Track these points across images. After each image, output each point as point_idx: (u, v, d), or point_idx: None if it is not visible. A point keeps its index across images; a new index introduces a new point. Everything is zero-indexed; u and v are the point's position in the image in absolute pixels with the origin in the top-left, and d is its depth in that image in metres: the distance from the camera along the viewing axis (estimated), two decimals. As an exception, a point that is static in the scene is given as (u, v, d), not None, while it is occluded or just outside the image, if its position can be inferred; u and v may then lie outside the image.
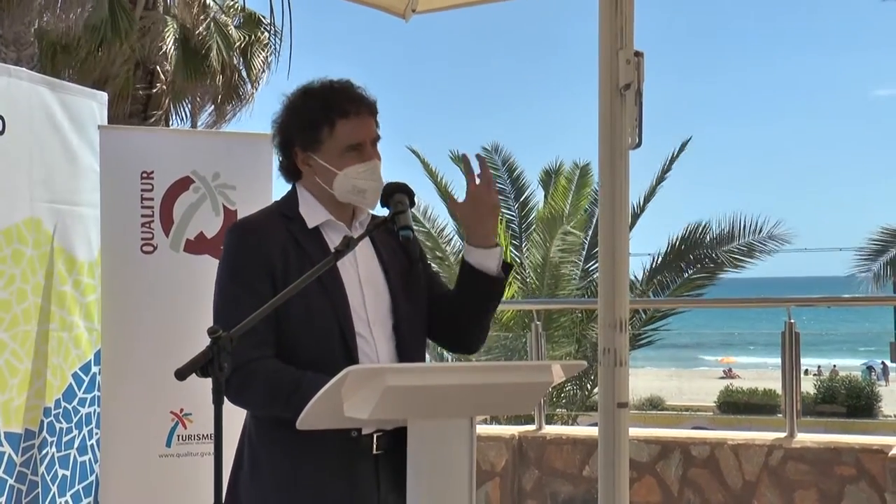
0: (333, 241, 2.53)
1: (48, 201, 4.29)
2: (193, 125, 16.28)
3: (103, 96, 4.75)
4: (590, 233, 15.08)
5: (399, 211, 2.49)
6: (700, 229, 15.01)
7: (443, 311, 2.70)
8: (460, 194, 2.73)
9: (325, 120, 2.54)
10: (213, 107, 16.75)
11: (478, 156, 2.63)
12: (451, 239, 15.28)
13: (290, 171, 2.64)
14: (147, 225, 4.38)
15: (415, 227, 2.57)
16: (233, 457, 2.56)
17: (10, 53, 12.75)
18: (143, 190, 4.38)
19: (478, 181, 2.60)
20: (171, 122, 16.19)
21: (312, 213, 2.60)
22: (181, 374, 2.05)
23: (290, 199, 2.64)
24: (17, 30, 13.16)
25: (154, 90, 15.59)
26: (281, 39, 16.70)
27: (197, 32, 15.90)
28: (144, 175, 4.38)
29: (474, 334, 2.75)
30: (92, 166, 4.50)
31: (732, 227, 14.90)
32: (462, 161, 2.63)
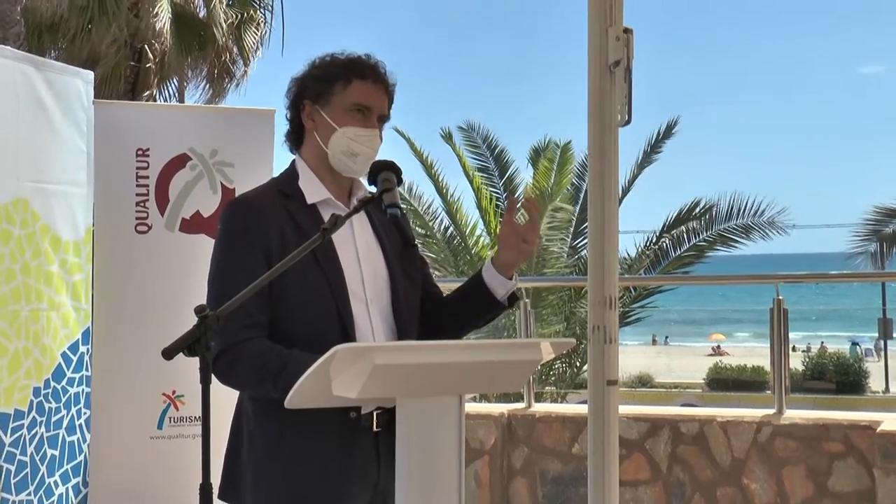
0: None
1: (34, 181, 4.26)
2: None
3: (89, 75, 4.71)
4: (577, 209, 15.10)
5: (386, 189, 2.50)
6: (697, 207, 14.98)
7: (428, 308, 2.74)
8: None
9: (343, 76, 2.60)
10: (203, 86, 16.66)
11: (529, 198, 2.70)
12: (436, 216, 15.26)
13: (295, 130, 2.68)
14: (142, 204, 4.31)
15: (402, 206, 2.58)
16: (220, 437, 2.55)
17: (-5, 32, 12.62)
18: (138, 168, 4.31)
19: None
20: (159, 103, 16.09)
21: (312, 188, 2.61)
22: (168, 354, 2.05)
23: (290, 175, 2.66)
24: (3, 8, 13.03)
25: (141, 69, 15.49)
26: (272, 12, 16.65)
27: (190, 10, 15.80)
28: (140, 152, 4.31)
29: (448, 337, 2.76)
30: (78, 145, 4.46)
31: (731, 207, 14.87)
32: (527, 200, 2.69)
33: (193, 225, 4.35)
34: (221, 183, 4.40)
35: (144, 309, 4.26)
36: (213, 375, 2.12)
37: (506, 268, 2.67)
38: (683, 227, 14.98)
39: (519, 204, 2.73)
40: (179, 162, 4.36)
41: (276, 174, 2.79)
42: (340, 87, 2.59)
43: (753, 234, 14.83)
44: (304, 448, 2.46)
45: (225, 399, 2.50)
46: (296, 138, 2.69)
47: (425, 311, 2.73)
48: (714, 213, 14.89)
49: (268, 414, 2.47)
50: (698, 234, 14.93)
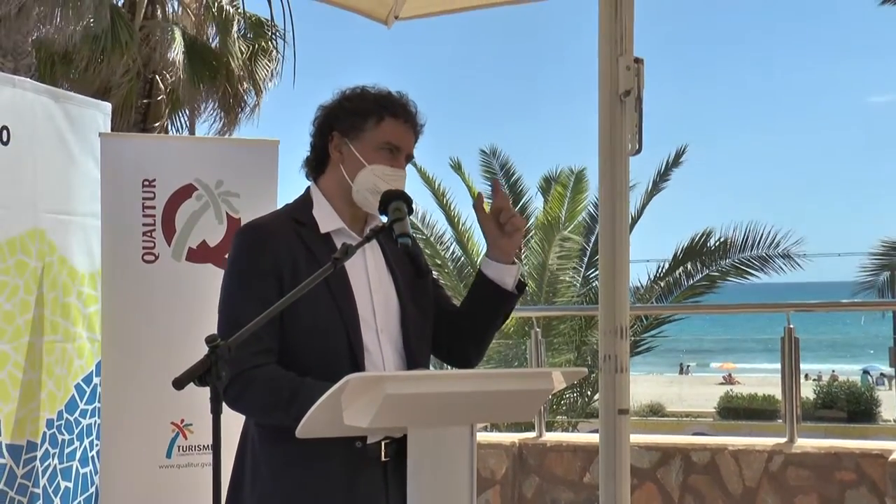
0: None
1: (51, 212, 4.29)
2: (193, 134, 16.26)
3: (107, 106, 4.75)
4: (592, 239, 15.07)
5: (397, 218, 2.48)
6: (708, 237, 14.91)
7: (447, 324, 2.73)
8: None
9: (376, 112, 2.60)
10: (215, 117, 16.71)
11: (493, 180, 2.71)
12: (449, 246, 15.25)
13: (318, 159, 2.66)
14: (148, 234, 4.34)
15: (413, 234, 2.58)
16: (230, 466, 2.55)
17: (7, 64, 12.70)
18: (144, 198, 4.34)
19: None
20: (170, 133, 16.18)
21: (326, 217, 2.61)
22: (179, 384, 2.04)
23: (304, 203, 2.65)
24: (15, 39, 13.12)
25: (153, 100, 15.58)
26: (285, 41, 16.75)
27: (201, 41, 15.90)
28: (146, 183, 4.34)
29: (475, 348, 2.77)
30: (95, 177, 4.50)
31: (746, 237, 14.76)
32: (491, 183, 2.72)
33: (200, 254, 4.38)
34: (227, 213, 4.43)
35: (152, 337, 4.27)
36: (223, 403, 2.11)
37: (504, 256, 2.68)
38: (696, 260, 14.86)
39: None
40: (186, 192, 4.39)
41: (280, 204, 2.78)
42: (373, 124, 2.59)
43: (768, 266, 14.68)
44: (309, 478, 2.45)
45: (234, 428, 2.50)
46: (316, 166, 2.68)
47: (444, 329, 2.72)
48: (728, 244, 14.74)
49: (273, 441, 2.47)
50: (711, 266, 14.83)
